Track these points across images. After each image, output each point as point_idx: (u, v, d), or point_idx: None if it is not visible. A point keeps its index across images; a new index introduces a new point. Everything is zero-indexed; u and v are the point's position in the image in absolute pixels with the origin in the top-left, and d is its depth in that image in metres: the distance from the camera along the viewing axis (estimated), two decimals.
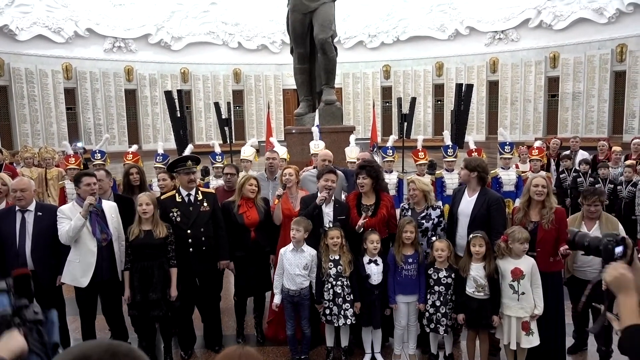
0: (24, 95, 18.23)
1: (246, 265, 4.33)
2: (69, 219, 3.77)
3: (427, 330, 3.95)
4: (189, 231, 4.08)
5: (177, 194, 4.20)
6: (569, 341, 4.14)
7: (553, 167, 8.17)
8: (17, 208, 3.87)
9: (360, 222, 3.96)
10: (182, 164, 4.22)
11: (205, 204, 4.19)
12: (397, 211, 4.43)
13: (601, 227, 3.85)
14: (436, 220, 4.14)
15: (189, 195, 4.19)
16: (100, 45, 20.30)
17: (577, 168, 7.41)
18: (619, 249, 1.89)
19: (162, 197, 4.28)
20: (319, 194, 4.08)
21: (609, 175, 7.03)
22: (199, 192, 4.25)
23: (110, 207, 4.03)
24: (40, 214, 3.90)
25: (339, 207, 4.20)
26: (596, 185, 6.67)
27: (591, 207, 3.88)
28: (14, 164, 8.83)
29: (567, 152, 8.14)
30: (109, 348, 0.94)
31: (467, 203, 4.07)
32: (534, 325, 3.63)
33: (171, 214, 4.08)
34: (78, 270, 3.84)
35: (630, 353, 1.58)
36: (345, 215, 4.14)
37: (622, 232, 3.80)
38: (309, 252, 4.00)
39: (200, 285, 4.30)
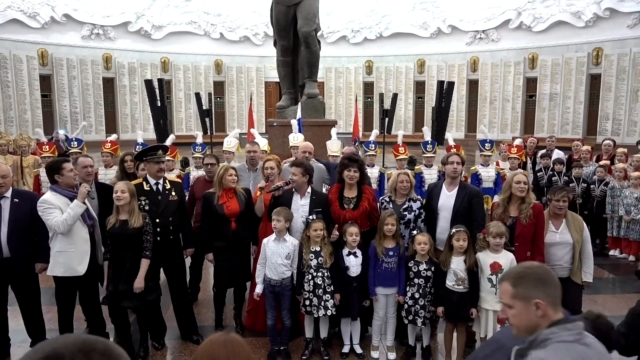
0: None
1: (227, 256, 4.32)
2: (57, 207, 3.69)
3: (406, 322, 4.00)
4: (157, 220, 4.06)
5: (144, 182, 4.17)
6: None
7: (529, 165, 8.34)
8: None
9: (334, 234, 3.99)
10: (152, 152, 4.18)
11: (173, 193, 4.20)
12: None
13: (568, 225, 3.94)
14: (417, 212, 4.21)
15: (157, 184, 4.17)
16: (78, 32, 19.81)
17: (552, 167, 7.59)
18: None
19: None
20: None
21: (582, 174, 7.23)
22: (167, 181, 4.24)
23: (83, 192, 3.92)
24: (17, 200, 3.82)
25: (316, 199, 4.21)
26: (570, 185, 6.86)
27: (560, 202, 3.91)
28: None
29: (544, 150, 8.33)
30: (83, 346, 0.87)
31: (447, 198, 4.14)
32: None
33: (139, 202, 4.03)
34: (74, 259, 3.77)
35: None
36: (322, 208, 4.13)
37: (586, 230, 3.96)
38: (291, 241, 4.03)
39: (169, 276, 4.28)
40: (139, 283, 3.80)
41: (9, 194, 3.82)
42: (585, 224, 4.02)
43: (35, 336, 4.02)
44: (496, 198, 6.08)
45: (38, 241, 3.91)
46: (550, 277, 1.64)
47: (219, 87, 22.39)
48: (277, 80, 11.35)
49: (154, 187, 4.16)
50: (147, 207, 4.06)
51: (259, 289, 4.03)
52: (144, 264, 3.86)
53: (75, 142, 6.97)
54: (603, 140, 8.37)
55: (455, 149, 6.91)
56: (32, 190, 5.93)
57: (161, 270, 4.25)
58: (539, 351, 1.44)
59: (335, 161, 5.48)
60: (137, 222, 3.77)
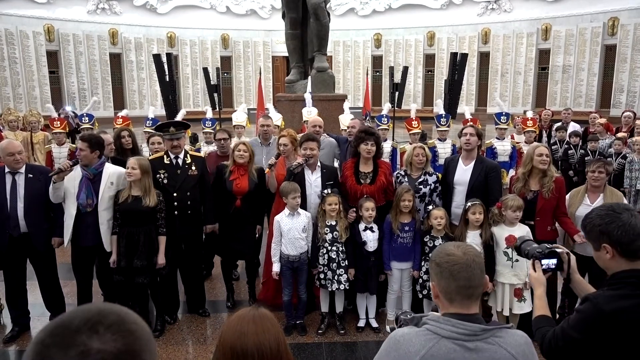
0: (4, 57, 17.63)
1: (230, 231, 4.33)
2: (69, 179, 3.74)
3: (420, 296, 4.00)
4: (175, 194, 4.06)
5: (165, 156, 4.16)
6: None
7: (545, 138, 8.21)
8: (6, 170, 3.76)
9: (350, 216, 3.95)
10: (166, 129, 4.14)
11: (193, 168, 4.17)
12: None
13: (605, 199, 3.75)
14: (433, 185, 4.16)
15: (177, 158, 4.16)
16: (84, 6, 19.60)
17: (568, 140, 7.46)
18: (547, 261, 1.89)
19: (150, 158, 4.26)
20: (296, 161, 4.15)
21: (598, 147, 7.09)
22: (188, 155, 4.22)
23: (111, 174, 3.88)
24: (31, 175, 3.80)
25: (327, 172, 4.19)
26: (586, 158, 6.73)
27: (595, 172, 3.75)
28: None
29: (559, 123, 8.18)
30: (92, 316, 0.78)
31: (464, 172, 4.08)
32: (526, 293, 3.70)
33: (158, 175, 4.04)
34: (65, 230, 3.86)
35: (536, 336, 1.79)
36: (332, 180, 4.12)
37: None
38: (304, 214, 4.03)
39: (184, 250, 4.29)
40: (161, 260, 3.85)
41: (22, 169, 3.81)
42: (625, 199, 3.82)
43: (54, 310, 4.07)
44: (512, 172, 6.01)
45: (53, 216, 3.92)
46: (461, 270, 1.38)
47: (226, 62, 22.16)
48: (285, 54, 11.19)
49: (174, 161, 4.14)
50: (165, 181, 4.05)
51: (276, 267, 4.01)
52: (162, 240, 3.88)
53: (87, 118, 6.96)
54: (623, 112, 8.18)
55: (472, 122, 6.79)
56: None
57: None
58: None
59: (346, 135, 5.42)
60: (151, 202, 3.75)
